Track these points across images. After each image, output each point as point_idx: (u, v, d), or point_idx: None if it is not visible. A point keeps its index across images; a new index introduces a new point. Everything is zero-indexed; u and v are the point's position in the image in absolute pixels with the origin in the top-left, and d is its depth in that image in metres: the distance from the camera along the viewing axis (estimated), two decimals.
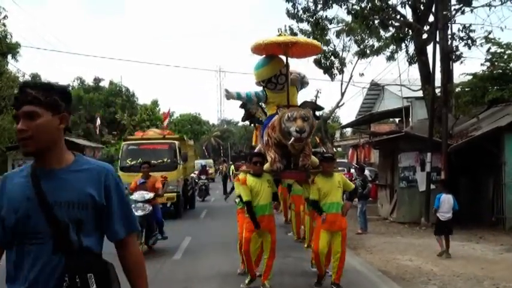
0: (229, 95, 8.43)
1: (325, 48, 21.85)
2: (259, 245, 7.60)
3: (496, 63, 15.20)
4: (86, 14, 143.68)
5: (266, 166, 7.62)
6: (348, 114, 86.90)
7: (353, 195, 8.21)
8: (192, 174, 22.70)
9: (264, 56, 8.49)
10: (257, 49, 8.32)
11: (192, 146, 23.28)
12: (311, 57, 13.56)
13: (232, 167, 23.34)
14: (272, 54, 8.39)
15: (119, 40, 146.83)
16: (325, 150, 19.57)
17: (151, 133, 18.80)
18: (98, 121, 35.87)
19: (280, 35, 8.42)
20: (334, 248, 7.34)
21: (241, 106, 8.81)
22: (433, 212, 10.56)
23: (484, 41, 15.57)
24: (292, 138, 7.16)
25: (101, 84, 44.70)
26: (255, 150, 8.84)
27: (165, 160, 16.47)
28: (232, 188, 10.01)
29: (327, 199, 7.35)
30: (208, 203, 23.15)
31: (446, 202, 10.20)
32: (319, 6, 18.11)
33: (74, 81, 42.96)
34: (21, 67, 35.43)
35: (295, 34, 19.09)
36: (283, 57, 8.37)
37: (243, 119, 9.16)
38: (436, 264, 9.06)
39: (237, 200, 8.32)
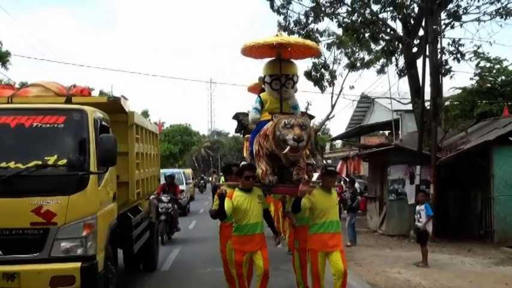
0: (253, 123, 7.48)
1: (315, 60, 21.97)
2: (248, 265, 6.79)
3: (485, 78, 15.38)
4: (77, 23, 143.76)
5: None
6: (338, 127, 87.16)
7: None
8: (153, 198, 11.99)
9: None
10: (246, 51, 7.29)
11: (153, 133, 10.32)
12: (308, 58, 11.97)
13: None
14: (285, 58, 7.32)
15: (110, 50, 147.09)
16: (315, 163, 19.56)
17: (36, 91, 7.22)
18: None
19: (277, 35, 7.66)
20: (336, 266, 6.45)
21: (234, 117, 8.66)
22: (428, 220, 10.52)
23: (473, 55, 15.75)
24: (288, 147, 6.25)
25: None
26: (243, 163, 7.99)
27: (57, 161, 5.85)
28: None
29: (326, 217, 6.54)
30: (197, 213, 22.08)
31: None
32: (311, 19, 18.23)
33: None
34: (11, 76, 35.23)
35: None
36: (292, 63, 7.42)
37: (236, 131, 8.96)
38: (424, 278, 9.05)
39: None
